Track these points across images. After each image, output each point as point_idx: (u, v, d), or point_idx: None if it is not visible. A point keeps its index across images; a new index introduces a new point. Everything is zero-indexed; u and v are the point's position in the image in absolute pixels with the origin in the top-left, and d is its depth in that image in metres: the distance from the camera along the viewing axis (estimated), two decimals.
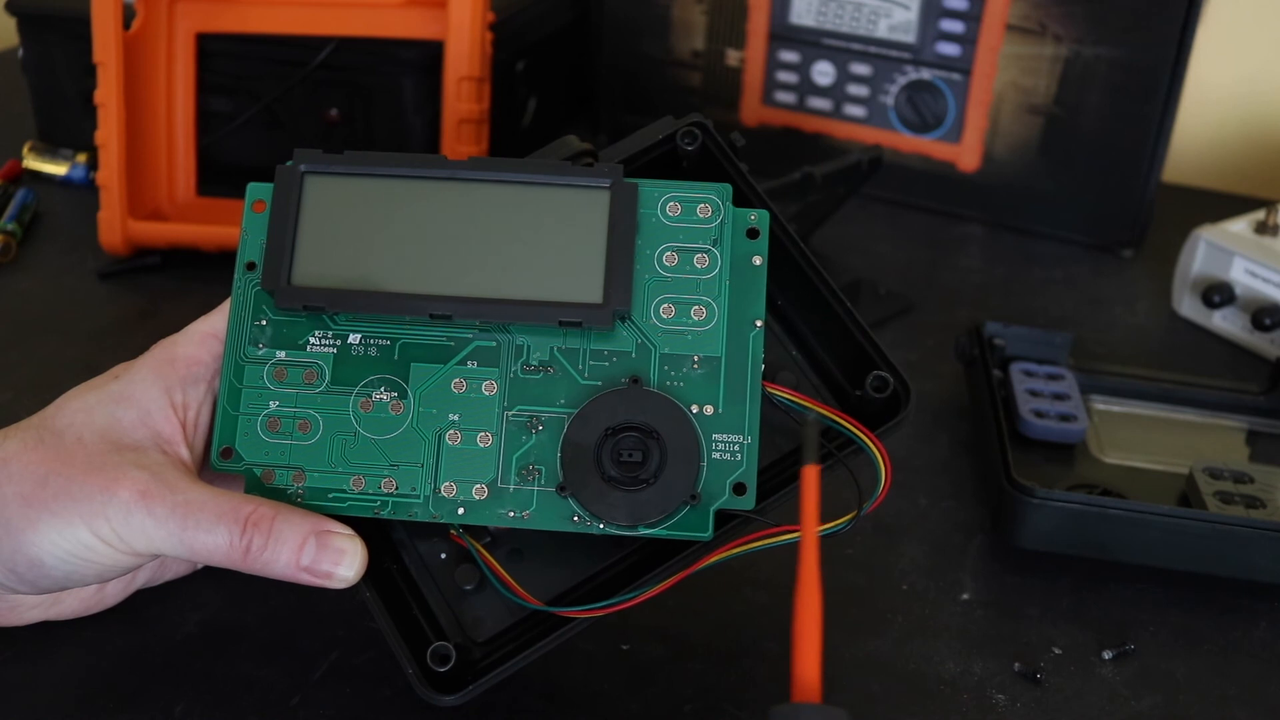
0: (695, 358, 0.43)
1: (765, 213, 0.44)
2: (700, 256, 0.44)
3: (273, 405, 0.43)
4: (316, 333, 0.44)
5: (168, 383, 0.43)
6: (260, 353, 0.44)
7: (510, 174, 0.43)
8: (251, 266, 0.44)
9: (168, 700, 0.45)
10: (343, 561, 0.41)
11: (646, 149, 0.47)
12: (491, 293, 0.42)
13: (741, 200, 0.45)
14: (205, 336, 0.44)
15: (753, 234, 0.44)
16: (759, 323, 0.43)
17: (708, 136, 0.47)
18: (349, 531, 0.42)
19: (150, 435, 0.43)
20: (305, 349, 0.44)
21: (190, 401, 0.44)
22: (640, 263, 0.43)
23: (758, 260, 0.44)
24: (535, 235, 0.43)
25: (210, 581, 0.50)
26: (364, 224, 0.43)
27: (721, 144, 0.47)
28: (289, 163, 0.44)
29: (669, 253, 0.44)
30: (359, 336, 0.44)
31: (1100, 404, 0.64)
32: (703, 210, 0.44)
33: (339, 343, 0.44)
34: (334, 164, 0.44)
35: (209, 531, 0.41)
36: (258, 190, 0.45)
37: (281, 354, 0.44)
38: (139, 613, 0.48)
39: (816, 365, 0.48)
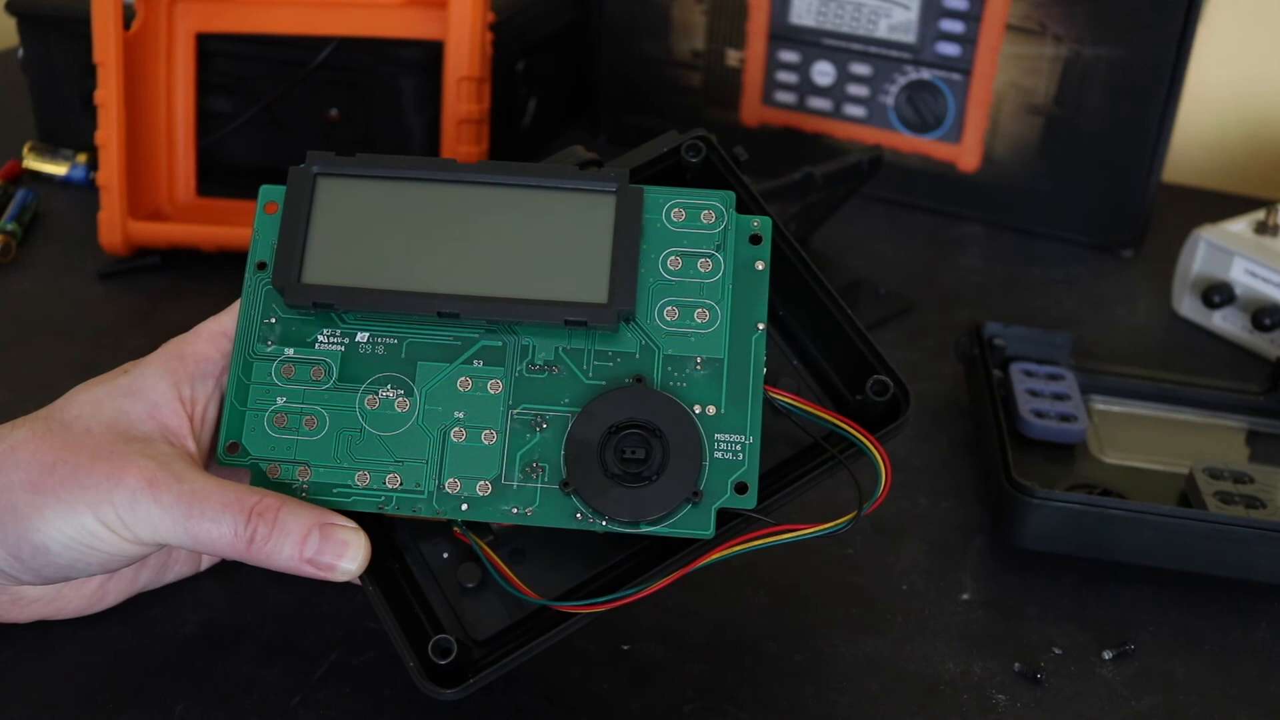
0: (698, 359, 0.43)
1: (768, 219, 0.45)
2: (704, 261, 0.44)
3: (280, 401, 0.43)
4: (325, 331, 0.44)
5: (176, 378, 0.44)
6: (269, 350, 0.44)
7: (519, 177, 0.44)
8: (262, 266, 0.44)
9: (168, 700, 0.45)
10: (346, 554, 0.41)
11: (651, 161, 0.47)
12: (498, 292, 0.43)
13: (744, 212, 0.45)
14: (215, 335, 0.45)
15: (755, 240, 0.44)
16: (761, 326, 0.44)
17: (712, 150, 0.47)
18: (353, 525, 0.42)
19: (158, 428, 0.43)
20: (314, 346, 0.44)
21: (198, 397, 0.44)
22: (645, 266, 0.44)
23: (760, 265, 0.44)
24: (542, 237, 0.43)
25: (211, 581, 0.50)
26: (374, 225, 0.44)
27: (725, 158, 0.47)
28: (302, 164, 0.44)
29: (673, 257, 0.44)
30: (367, 335, 0.44)
31: (1100, 404, 0.64)
32: (706, 216, 0.44)
33: (347, 341, 0.44)
34: (346, 166, 0.44)
35: (214, 520, 0.41)
36: (270, 192, 0.45)
37: (290, 351, 0.44)
38: (140, 613, 0.48)
39: (816, 371, 0.48)
